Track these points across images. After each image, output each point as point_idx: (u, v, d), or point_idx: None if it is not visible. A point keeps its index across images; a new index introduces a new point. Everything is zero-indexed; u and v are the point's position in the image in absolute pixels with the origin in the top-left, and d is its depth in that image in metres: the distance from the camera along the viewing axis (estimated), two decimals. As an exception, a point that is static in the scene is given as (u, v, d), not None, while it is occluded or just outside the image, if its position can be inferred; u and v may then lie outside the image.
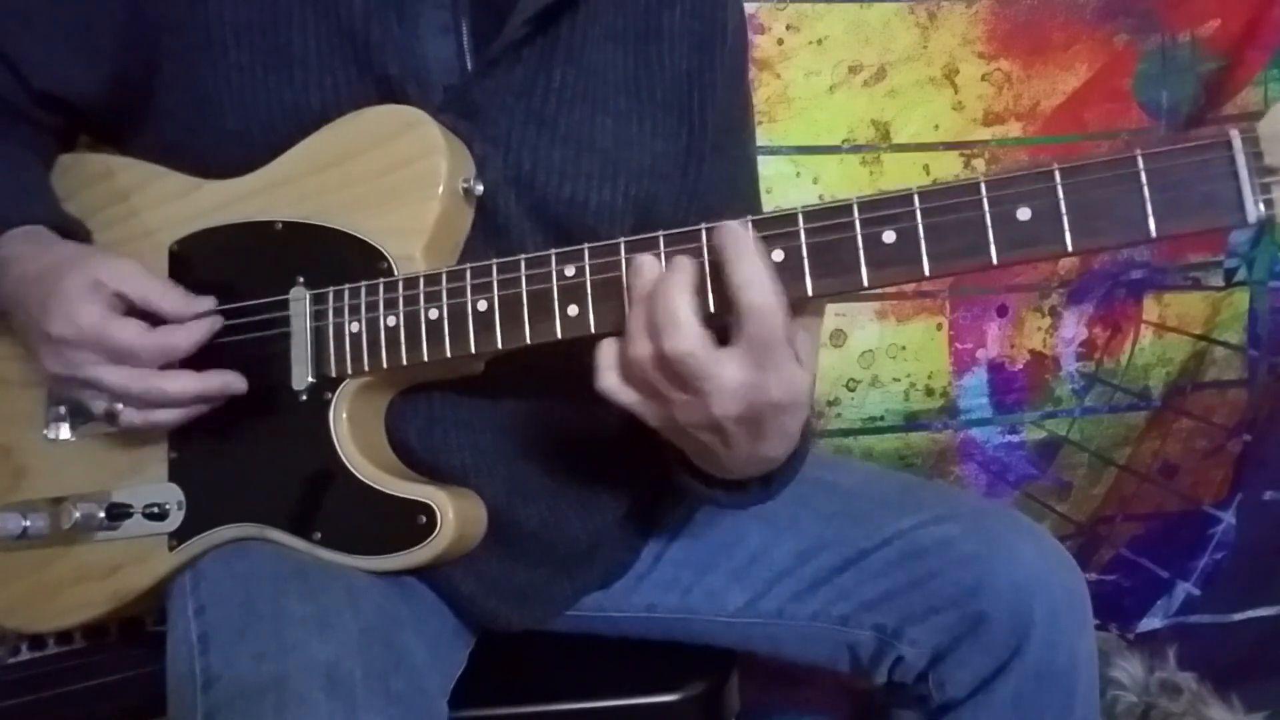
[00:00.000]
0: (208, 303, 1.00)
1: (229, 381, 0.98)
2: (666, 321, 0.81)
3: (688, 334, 0.81)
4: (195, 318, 0.98)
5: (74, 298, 0.94)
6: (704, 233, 0.85)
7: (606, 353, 0.86)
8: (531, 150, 1.02)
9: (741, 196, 1.20)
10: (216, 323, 0.99)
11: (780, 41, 1.86)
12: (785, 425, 0.87)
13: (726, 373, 0.81)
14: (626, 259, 0.87)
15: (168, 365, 0.97)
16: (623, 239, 0.88)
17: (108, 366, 0.95)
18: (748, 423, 0.85)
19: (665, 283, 0.82)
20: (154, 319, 0.97)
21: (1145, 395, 2.00)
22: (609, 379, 0.86)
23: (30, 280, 0.97)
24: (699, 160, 1.10)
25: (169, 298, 0.98)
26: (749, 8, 1.21)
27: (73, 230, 1.05)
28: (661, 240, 0.86)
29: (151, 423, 0.98)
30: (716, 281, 0.83)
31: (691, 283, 0.83)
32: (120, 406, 0.97)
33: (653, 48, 1.08)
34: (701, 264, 0.84)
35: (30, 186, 1.06)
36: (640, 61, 1.07)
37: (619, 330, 0.87)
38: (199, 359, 0.98)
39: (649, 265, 0.85)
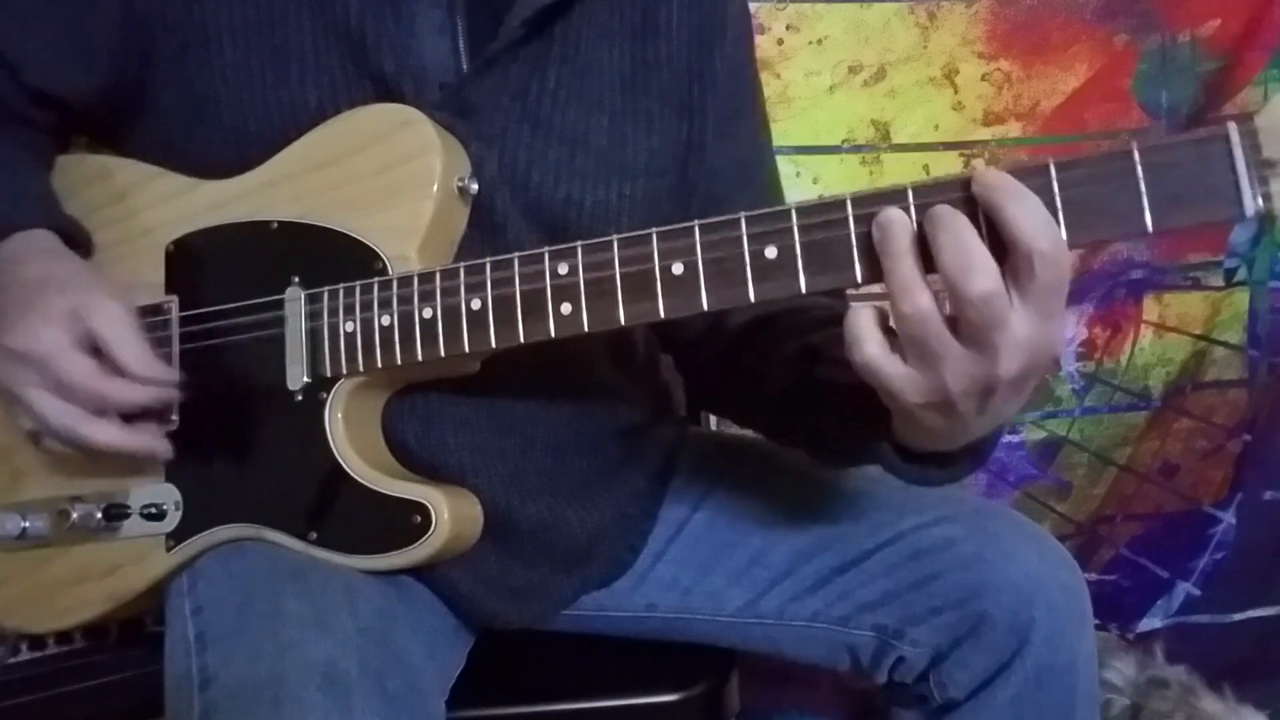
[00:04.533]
0: (170, 376, 0.98)
1: (150, 448, 0.97)
2: (965, 263, 0.74)
3: (990, 273, 0.74)
4: (150, 383, 0.96)
5: (48, 318, 0.93)
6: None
7: (861, 322, 0.79)
8: (527, 150, 1.03)
9: (754, 182, 1.20)
10: (172, 393, 0.98)
11: (780, 41, 1.87)
12: (1033, 384, 0.82)
13: (1016, 321, 0.75)
14: (869, 214, 0.79)
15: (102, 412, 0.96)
16: (615, 236, 0.88)
17: (42, 393, 0.94)
18: (1019, 381, 0.78)
19: (954, 223, 0.75)
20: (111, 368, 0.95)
21: (1145, 395, 2.01)
22: (870, 349, 0.79)
23: (20, 285, 0.97)
24: (700, 152, 1.10)
25: (133, 356, 0.95)
26: (749, 7, 1.21)
27: (73, 233, 1.04)
28: (655, 237, 0.86)
29: (78, 446, 0.98)
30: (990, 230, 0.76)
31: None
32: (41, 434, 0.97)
33: (649, 44, 1.08)
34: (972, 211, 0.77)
35: (32, 190, 1.06)
36: (637, 58, 1.07)
37: (612, 327, 0.87)
38: (189, 368, 0.99)
39: (900, 219, 0.78)
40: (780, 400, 1.05)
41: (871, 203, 0.80)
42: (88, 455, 1.00)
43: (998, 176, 0.76)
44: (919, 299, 0.76)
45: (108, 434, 0.96)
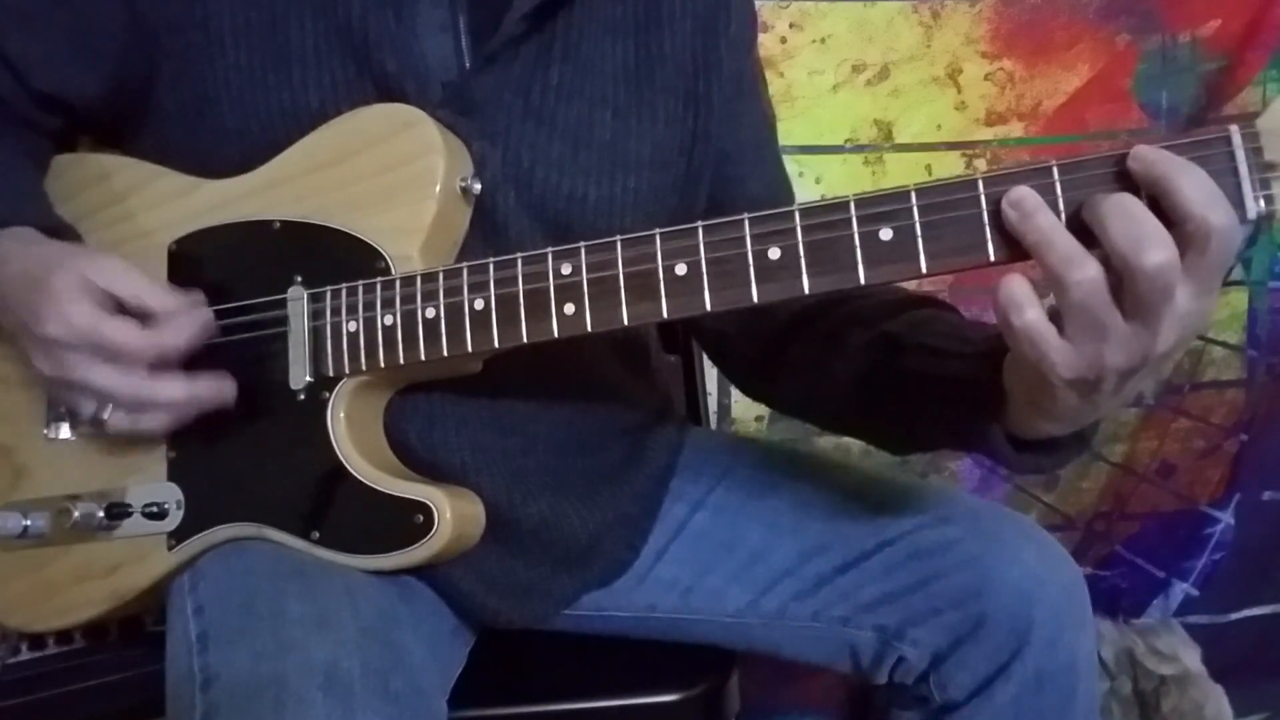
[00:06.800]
0: (198, 297, 0.99)
1: (221, 388, 0.97)
2: (1138, 234, 0.71)
3: (1166, 243, 0.71)
4: (186, 315, 0.96)
5: (64, 297, 0.93)
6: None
7: (1021, 287, 0.75)
8: (530, 147, 1.03)
9: (766, 161, 1.22)
10: (209, 319, 0.97)
11: (783, 40, 1.87)
12: (1172, 362, 0.81)
13: (1180, 294, 0.72)
14: (1001, 192, 0.77)
15: (162, 366, 0.96)
16: (619, 237, 0.88)
17: (100, 367, 0.94)
18: (1167, 357, 0.76)
19: (1116, 195, 0.73)
20: (145, 319, 0.95)
21: (1136, 392, 2.01)
22: (1031, 314, 0.75)
23: (17, 280, 0.96)
24: (705, 140, 1.11)
25: (157, 294, 0.96)
26: (752, 5, 1.22)
27: (63, 234, 1.04)
28: (658, 238, 0.86)
29: (139, 429, 0.97)
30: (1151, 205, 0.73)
31: None
32: (108, 412, 0.96)
33: (653, 35, 1.08)
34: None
35: (22, 189, 1.06)
36: (640, 51, 1.08)
37: (615, 328, 0.87)
38: (194, 361, 0.98)
39: (1033, 194, 0.76)
40: (849, 390, 1.04)
41: (874, 204, 0.80)
42: (113, 445, 1.02)
43: (1156, 151, 0.73)
44: (1089, 267, 0.73)
45: (178, 388, 0.96)
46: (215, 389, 0.97)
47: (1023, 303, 0.75)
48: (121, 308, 0.95)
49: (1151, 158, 0.73)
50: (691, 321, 1.23)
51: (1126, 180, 0.74)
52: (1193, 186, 0.71)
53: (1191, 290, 0.72)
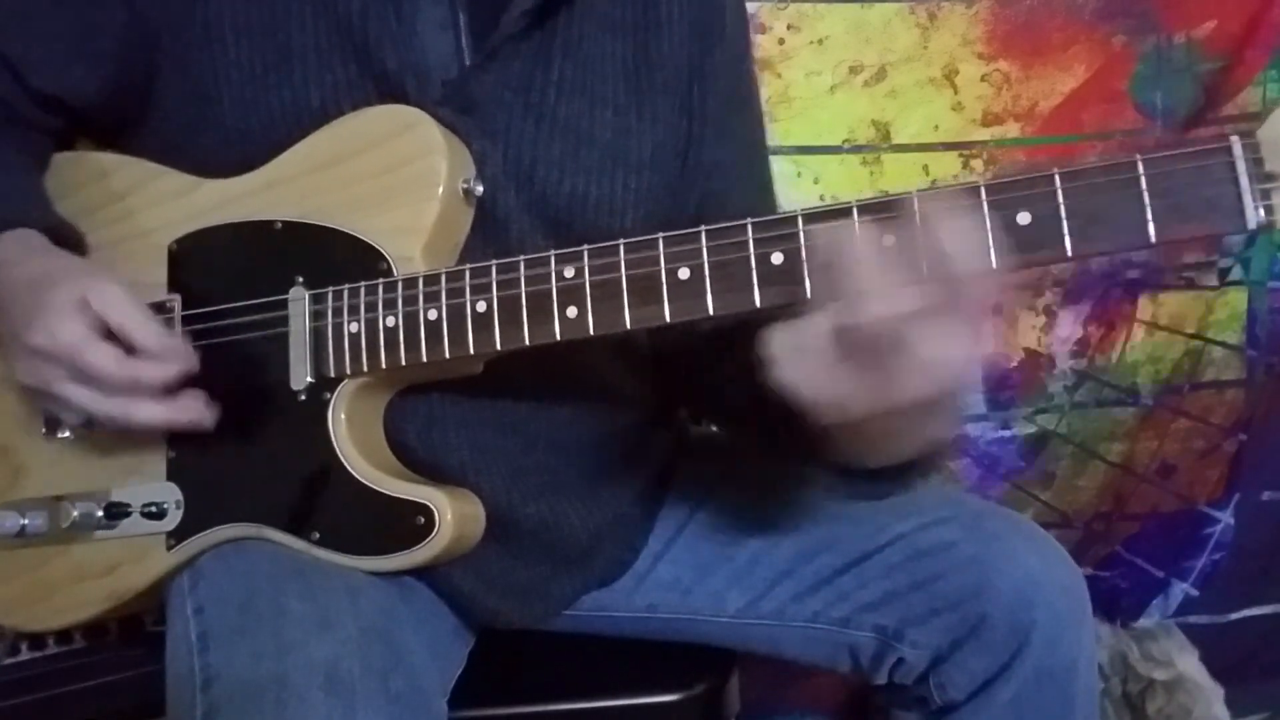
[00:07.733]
0: (185, 344, 0.98)
1: (198, 419, 0.97)
2: (860, 287, 0.73)
3: (905, 295, 0.73)
4: (171, 356, 0.96)
5: (58, 312, 0.93)
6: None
7: (779, 341, 0.77)
8: (531, 145, 1.03)
9: (753, 178, 1.21)
10: (192, 363, 0.97)
11: (781, 41, 1.87)
12: (958, 404, 0.83)
13: (922, 342, 0.73)
14: (805, 232, 0.81)
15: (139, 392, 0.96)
16: (621, 241, 0.88)
17: (74, 386, 0.94)
18: (930, 404, 0.77)
19: (947, 226, 0.73)
20: (130, 349, 0.95)
21: (1133, 391, 2.00)
22: (791, 369, 0.77)
23: (19, 286, 0.97)
24: (699, 147, 1.11)
25: (146, 332, 0.95)
26: (750, 7, 1.21)
27: (66, 235, 1.04)
28: (661, 242, 0.86)
29: (131, 428, 0.98)
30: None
31: None
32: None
33: (650, 37, 1.08)
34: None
35: (25, 190, 1.06)
36: (639, 52, 1.08)
37: (617, 331, 0.88)
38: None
39: (837, 232, 0.77)
40: (745, 415, 1.05)
41: (877, 210, 0.81)
42: (112, 445, 1.02)
43: (933, 197, 0.76)
44: (881, 306, 0.74)
45: (154, 412, 0.96)
46: (193, 415, 0.97)
47: (776, 358, 0.77)
48: (112, 336, 0.95)
49: (931, 204, 0.75)
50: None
51: (1128, 187, 0.76)
52: (948, 237, 0.72)
53: (936, 338, 0.73)
